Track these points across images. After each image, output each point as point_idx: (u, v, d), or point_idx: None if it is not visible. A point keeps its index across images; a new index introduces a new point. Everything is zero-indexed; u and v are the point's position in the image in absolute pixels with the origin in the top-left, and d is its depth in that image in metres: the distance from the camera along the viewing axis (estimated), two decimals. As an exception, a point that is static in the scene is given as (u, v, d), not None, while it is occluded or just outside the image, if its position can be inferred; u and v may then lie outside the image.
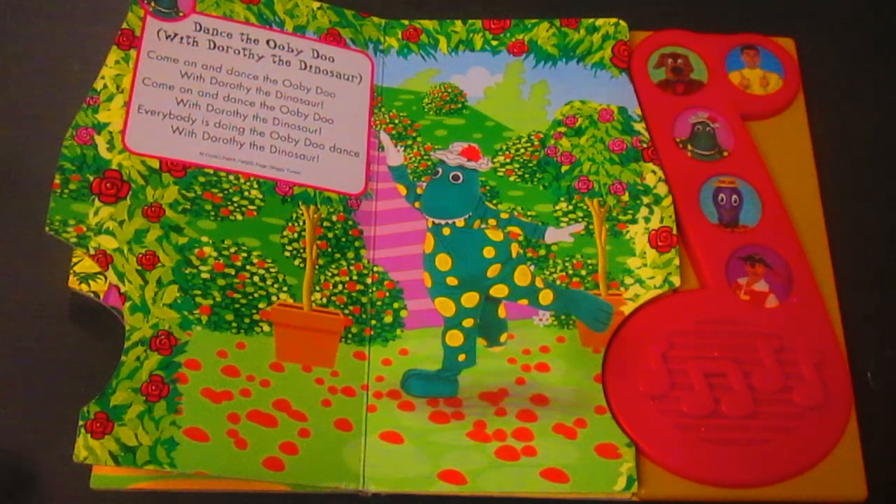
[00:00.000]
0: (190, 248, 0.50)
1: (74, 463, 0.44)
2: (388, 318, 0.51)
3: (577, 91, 0.56)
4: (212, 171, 0.52)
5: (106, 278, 0.49)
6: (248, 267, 0.50)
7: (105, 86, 0.52)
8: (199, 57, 0.54)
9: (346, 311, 0.50)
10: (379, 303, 0.51)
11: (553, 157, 0.55)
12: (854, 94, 0.60)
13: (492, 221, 0.53)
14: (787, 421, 0.48)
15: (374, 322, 0.51)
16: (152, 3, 0.55)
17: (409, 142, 0.55)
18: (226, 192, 0.51)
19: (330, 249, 0.52)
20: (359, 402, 0.48)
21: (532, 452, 0.47)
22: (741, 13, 0.62)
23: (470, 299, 0.51)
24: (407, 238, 0.52)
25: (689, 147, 0.55)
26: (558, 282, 0.51)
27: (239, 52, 0.55)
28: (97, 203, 0.49)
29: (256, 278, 0.50)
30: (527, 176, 0.54)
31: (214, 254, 0.50)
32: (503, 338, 0.50)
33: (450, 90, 0.57)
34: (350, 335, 0.50)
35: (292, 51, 0.56)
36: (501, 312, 0.51)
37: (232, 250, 0.50)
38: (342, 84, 0.56)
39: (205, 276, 0.49)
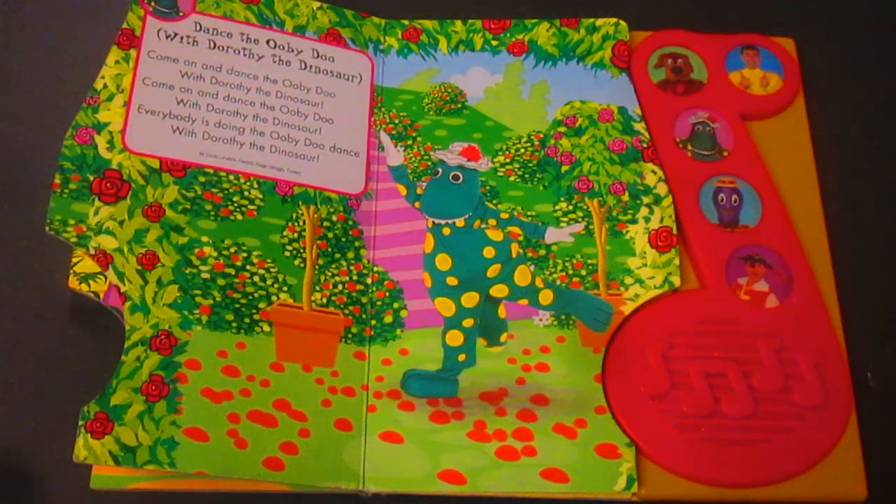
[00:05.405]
0: (190, 247, 0.50)
1: (74, 463, 0.44)
2: (388, 318, 0.51)
3: (577, 91, 0.56)
4: (212, 171, 0.52)
5: (106, 278, 0.49)
6: (248, 267, 0.50)
7: (105, 85, 0.52)
8: (199, 57, 0.54)
9: (346, 311, 0.50)
10: (379, 303, 0.51)
11: (553, 157, 0.55)
12: (854, 94, 0.60)
13: (492, 221, 0.53)
14: (787, 421, 0.48)
15: (374, 322, 0.51)
16: (152, 3, 0.55)
17: (409, 142, 0.55)
18: (226, 191, 0.51)
19: (330, 249, 0.52)
20: (359, 402, 0.48)
21: (532, 452, 0.47)
22: (741, 13, 0.62)
23: (470, 299, 0.51)
24: (407, 238, 0.52)
25: (689, 147, 0.55)
26: (558, 282, 0.51)
27: (239, 52, 0.55)
28: (97, 203, 0.49)
29: (256, 278, 0.50)
30: (527, 176, 0.54)
31: (214, 254, 0.50)
32: (503, 338, 0.50)
33: (450, 90, 0.57)
34: (350, 335, 0.50)
35: (292, 51, 0.56)
36: (501, 312, 0.51)
37: (232, 250, 0.50)
38: (342, 84, 0.56)
39: (205, 275, 0.49)
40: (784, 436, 0.47)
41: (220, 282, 0.49)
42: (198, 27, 0.55)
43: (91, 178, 0.50)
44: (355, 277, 0.51)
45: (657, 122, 0.55)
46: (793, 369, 0.49)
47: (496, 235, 0.52)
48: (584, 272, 0.52)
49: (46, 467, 0.48)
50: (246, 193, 0.52)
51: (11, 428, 0.49)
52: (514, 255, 0.52)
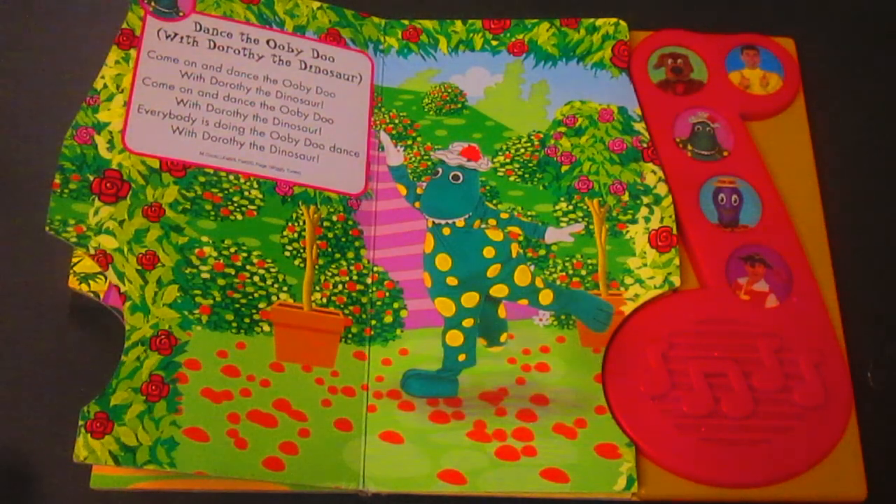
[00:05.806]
0: (190, 247, 0.50)
1: (74, 463, 0.44)
2: (388, 318, 0.51)
3: (577, 91, 0.56)
4: (212, 171, 0.52)
5: (106, 278, 0.49)
6: (248, 267, 0.50)
7: (105, 85, 0.52)
8: (199, 57, 0.54)
9: (346, 311, 0.50)
10: (379, 303, 0.51)
11: (553, 157, 0.55)
12: (854, 95, 0.60)
13: (492, 221, 0.53)
14: (787, 421, 0.48)
15: (374, 322, 0.51)
16: (152, 3, 0.55)
17: (409, 142, 0.55)
18: (226, 191, 0.51)
19: (330, 249, 0.52)
20: (359, 402, 0.48)
21: (532, 452, 0.47)
22: (741, 13, 0.62)
23: (470, 299, 0.51)
24: (407, 238, 0.52)
25: (689, 147, 0.55)
26: (558, 282, 0.51)
27: (239, 52, 0.55)
28: (97, 203, 0.49)
29: (256, 278, 0.50)
30: (527, 176, 0.54)
31: (214, 254, 0.50)
32: (503, 338, 0.50)
33: (450, 90, 0.57)
34: (350, 335, 0.50)
35: (292, 51, 0.56)
36: (501, 312, 0.51)
37: (232, 250, 0.50)
38: (342, 84, 0.56)
39: (205, 275, 0.49)
40: (784, 436, 0.47)
41: (220, 282, 0.49)
42: (198, 27, 0.55)
43: (91, 178, 0.50)
44: (355, 277, 0.51)
45: (657, 122, 0.55)
46: (793, 369, 0.49)
47: (496, 235, 0.52)
48: (584, 272, 0.52)
49: (46, 467, 0.48)
50: (246, 193, 0.52)
51: (11, 428, 0.49)
52: (514, 255, 0.52)
